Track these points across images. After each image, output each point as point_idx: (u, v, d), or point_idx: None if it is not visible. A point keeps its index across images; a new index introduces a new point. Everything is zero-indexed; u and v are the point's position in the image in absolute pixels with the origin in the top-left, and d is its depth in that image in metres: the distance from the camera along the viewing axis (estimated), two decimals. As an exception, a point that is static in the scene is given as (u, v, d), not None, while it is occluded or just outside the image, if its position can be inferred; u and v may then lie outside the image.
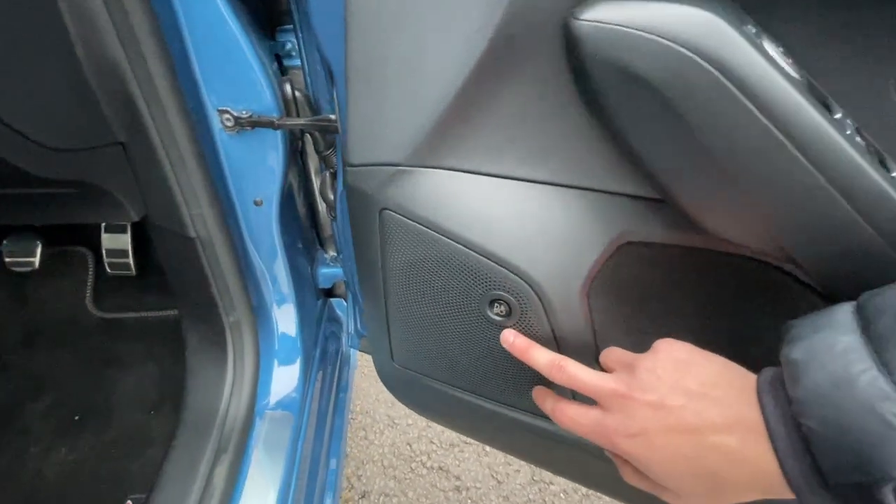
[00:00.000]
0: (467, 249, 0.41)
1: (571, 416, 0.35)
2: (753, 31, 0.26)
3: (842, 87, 0.31)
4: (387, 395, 1.11)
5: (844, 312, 0.24)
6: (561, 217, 0.39)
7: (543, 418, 0.50)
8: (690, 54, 0.26)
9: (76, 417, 0.79)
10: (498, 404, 0.50)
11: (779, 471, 0.24)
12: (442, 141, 0.39)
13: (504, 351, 0.45)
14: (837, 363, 0.22)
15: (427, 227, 0.42)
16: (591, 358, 0.44)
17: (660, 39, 0.26)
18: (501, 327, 0.44)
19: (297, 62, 0.67)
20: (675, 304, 0.46)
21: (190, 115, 0.54)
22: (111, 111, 0.48)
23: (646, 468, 0.30)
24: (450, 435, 1.12)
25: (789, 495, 0.24)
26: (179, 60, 0.52)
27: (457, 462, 1.09)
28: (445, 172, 0.40)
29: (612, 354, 0.37)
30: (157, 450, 0.69)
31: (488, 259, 0.41)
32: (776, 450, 0.24)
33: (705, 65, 0.25)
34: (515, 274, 0.41)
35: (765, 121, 0.25)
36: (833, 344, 0.23)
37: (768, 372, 0.27)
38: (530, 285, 0.41)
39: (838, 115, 0.29)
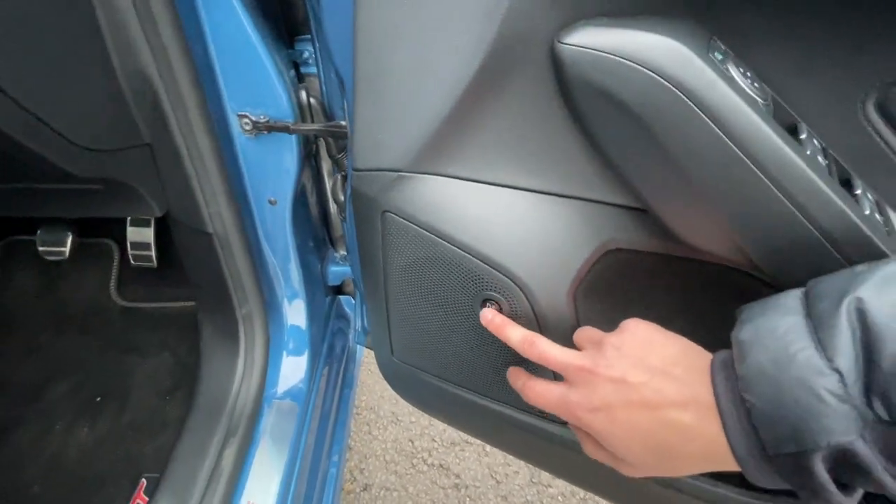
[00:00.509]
0: (462, 251, 0.44)
1: (538, 392, 0.37)
2: (720, 57, 0.29)
3: (813, 107, 0.33)
4: (391, 391, 1.14)
5: (793, 297, 0.26)
6: (550, 223, 0.41)
7: (533, 415, 0.52)
8: (658, 78, 0.28)
9: (97, 399, 0.84)
10: (490, 400, 0.53)
11: (727, 445, 0.25)
12: (440, 149, 0.41)
13: (495, 348, 0.47)
14: (779, 343, 0.24)
15: (425, 230, 0.44)
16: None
17: (631, 64, 0.28)
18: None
19: (314, 70, 0.71)
20: (658, 308, 0.48)
21: (211, 119, 0.58)
22: (140, 115, 0.53)
23: (606, 441, 0.32)
24: (451, 433, 1.15)
25: (737, 468, 0.26)
26: (202, 68, 0.56)
27: (457, 460, 1.11)
28: (443, 179, 0.43)
29: (583, 333, 0.39)
30: (170, 432, 0.73)
31: (481, 261, 0.43)
32: (725, 425, 0.25)
33: (671, 87, 0.28)
34: (506, 276, 0.43)
35: (725, 140, 0.28)
36: (776, 326, 0.25)
37: (723, 353, 0.29)
38: (520, 287, 0.43)
39: (804, 135, 0.31)
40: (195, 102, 0.56)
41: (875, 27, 0.29)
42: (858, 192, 0.31)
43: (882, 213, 0.31)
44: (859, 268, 0.24)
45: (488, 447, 1.11)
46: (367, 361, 1.10)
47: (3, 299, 0.94)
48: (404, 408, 1.18)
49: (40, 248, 0.89)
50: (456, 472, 1.09)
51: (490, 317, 0.42)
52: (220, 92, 0.60)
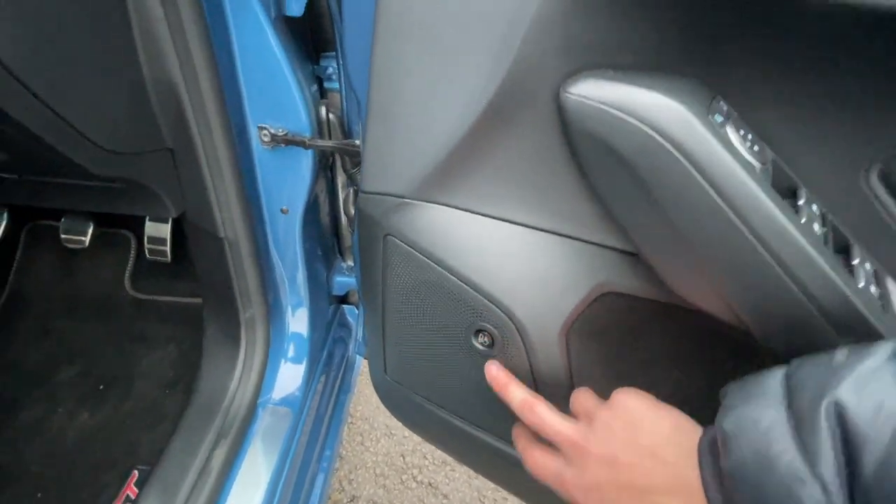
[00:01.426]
0: (459, 281, 0.44)
1: (537, 462, 0.38)
2: (720, 119, 0.29)
3: (816, 171, 0.33)
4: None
5: (775, 380, 0.26)
6: (546, 261, 0.42)
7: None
8: (657, 136, 0.28)
9: (100, 387, 0.87)
10: (475, 427, 0.53)
11: None
12: (444, 180, 0.42)
13: (484, 378, 0.47)
14: (761, 441, 0.24)
15: (425, 256, 0.45)
16: (565, 397, 0.46)
17: (631, 120, 0.29)
18: (484, 357, 0.47)
19: (337, 86, 0.73)
20: (651, 354, 0.47)
21: (231, 129, 0.60)
22: (164, 122, 0.55)
23: None
24: (444, 454, 1.14)
25: None
26: (227, 79, 0.59)
27: (447, 480, 1.10)
28: (445, 208, 0.43)
29: (578, 398, 0.39)
30: (167, 425, 0.75)
31: (477, 292, 0.44)
32: None
33: (668, 147, 0.28)
34: (500, 309, 0.44)
35: (719, 202, 0.28)
36: (759, 418, 0.25)
37: (709, 433, 0.29)
38: (513, 321, 0.44)
39: (802, 200, 0.31)
40: (217, 112, 0.58)
41: (881, 96, 0.29)
42: (856, 261, 0.30)
43: (879, 283, 0.31)
44: (838, 357, 0.24)
45: (479, 470, 1.09)
46: (365, 372, 1.10)
47: (22, 281, 0.97)
48: (398, 422, 1.17)
49: (62, 236, 0.92)
50: (444, 493, 1.08)
51: (494, 372, 0.43)
52: (243, 103, 0.62)
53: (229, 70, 0.59)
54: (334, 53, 0.71)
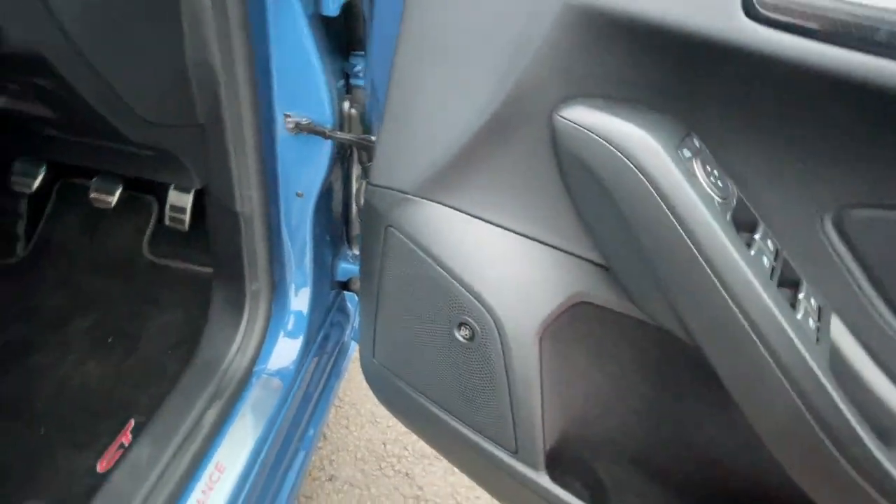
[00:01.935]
0: (447, 275, 0.48)
1: None
2: (688, 154, 0.32)
3: (777, 211, 0.36)
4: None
5: None
6: (528, 266, 0.45)
7: (491, 442, 0.55)
8: (628, 163, 0.32)
9: (109, 339, 0.92)
10: (451, 417, 0.56)
11: None
12: (445, 181, 0.46)
13: (464, 370, 0.51)
14: None
15: (419, 250, 0.49)
16: (535, 394, 0.49)
17: (609, 147, 0.32)
18: (465, 348, 0.51)
19: (362, 83, 0.77)
20: (620, 366, 0.50)
21: (259, 113, 0.65)
22: (200, 100, 0.60)
23: None
24: (423, 446, 1.17)
25: None
26: (261, 67, 0.63)
27: (423, 473, 1.13)
28: (443, 207, 0.47)
29: None
30: (166, 383, 0.79)
31: (463, 288, 0.48)
32: None
33: (638, 173, 0.31)
34: (482, 305, 0.47)
35: (676, 226, 0.31)
36: None
37: None
38: (493, 318, 0.47)
39: (758, 235, 0.34)
40: (248, 96, 0.63)
41: (836, 152, 0.32)
42: (801, 295, 0.33)
43: (822, 318, 0.34)
44: None
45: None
46: (357, 359, 1.14)
47: (50, 232, 1.04)
48: (384, 410, 1.21)
49: (91, 195, 0.98)
50: (420, 485, 1.12)
51: None
52: (272, 91, 0.67)
53: (264, 59, 0.63)
54: (363, 53, 0.76)
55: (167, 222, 1.01)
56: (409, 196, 0.48)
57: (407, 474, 1.12)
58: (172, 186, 0.98)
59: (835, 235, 0.34)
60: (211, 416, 0.72)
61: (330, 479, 1.11)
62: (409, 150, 0.46)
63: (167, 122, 0.59)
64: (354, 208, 0.92)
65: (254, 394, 0.78)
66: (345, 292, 1.03)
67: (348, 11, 0.71)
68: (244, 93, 0.62)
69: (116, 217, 1.03)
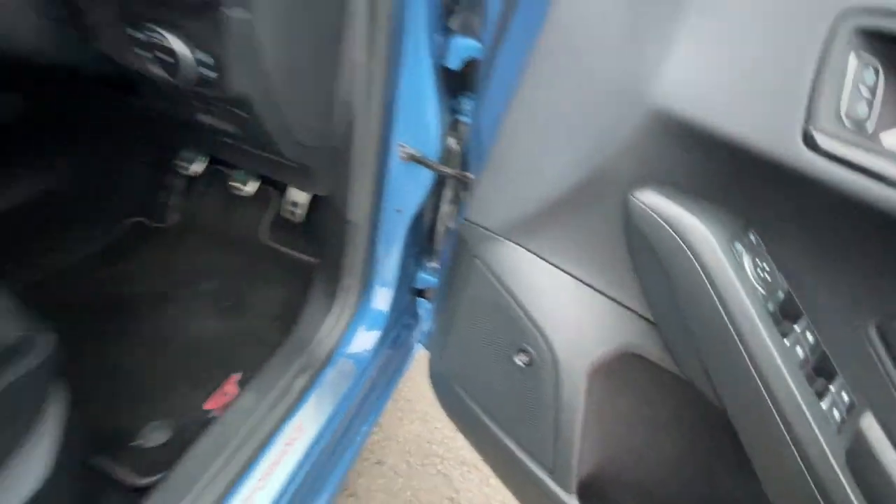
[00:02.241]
0: (517, 306, 0.57)
1: None
2: (741, 248, 0.38)
3: (824, 308, 0.40)
4: (431, 394, 1.28)
5: None
6: (587, 310, 0.52)
7: (530, 456, 0.62)
8: (687, 251, 0.38)
9: (227, 304, 1.11)
10: (499, 427, 0.64)
11: None
12: (526, 228, 0.55)
13: (517, 388, 0.59)
14: None
15: (497, 281, 0.58)
16: (577, 424, 0.56)
17: (672, 233, 0.39)
18: (522, 371, 0.59)
19: (467, 121, 0.88)
20: (659, 417, 0.55)
21: (380, 142, 0.78)
22: (338, 128, 0.74)
23: None
24: (464, 454, 1.25)
25: None
26: (388, 104, 0.76)
27: (461, 479, 1.21)
28: (521, 249, 0.56)
29: None
30: (266, 348, 0.95)
31: (528, 319, 0.56)
32: None
33: (693, 261, 0.38)
34: (543, 338, 0.55)
35: (721, 311, 0.37)
36: None
37: None
38: (550, 350, 0.55)
39: (799, 327, 0.39)
40: (375, 129, 0.76)
41: (888, 268, 0.36)
42: (833, 387, 0.38)
43: (849, 412, 0.37)
44: None
45: (493, 480, 1.19)
46: (419, 359, 1.25)
47: (196, 208, 1.27)
48: (435, 411, 1.31)
49: (230, 183, 1.20)
50: (456, 488, 1.19)
51: None
52: (393, 123, 0.80)
53: (391, 98, 0.77)
54: (473, 95, 0.87)
55: (284, 214, 1.20)
56: (495, 235, 0.57)
57: (446, 475, 1.21)
58: (292, 184, 1.17)
59: (878, 341, 0.37)
60: (300, 382, 0.86)
61: (378, 463, 1.22)
62: (502, 199, 0.56)
63: (313, 144, 0.74)
64: (440, 228, 1.03)
65: (334, 371, 0.91)
66: (418, 298, 1.15)
67: (466, 63, 0.82)
68: (373, 125, 0.75)
69: (248, 203, 1.24)
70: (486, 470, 1.15)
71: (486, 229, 0.57)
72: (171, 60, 0.54)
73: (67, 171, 1.12)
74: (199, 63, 0.55)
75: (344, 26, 0.62)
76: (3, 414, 0.51)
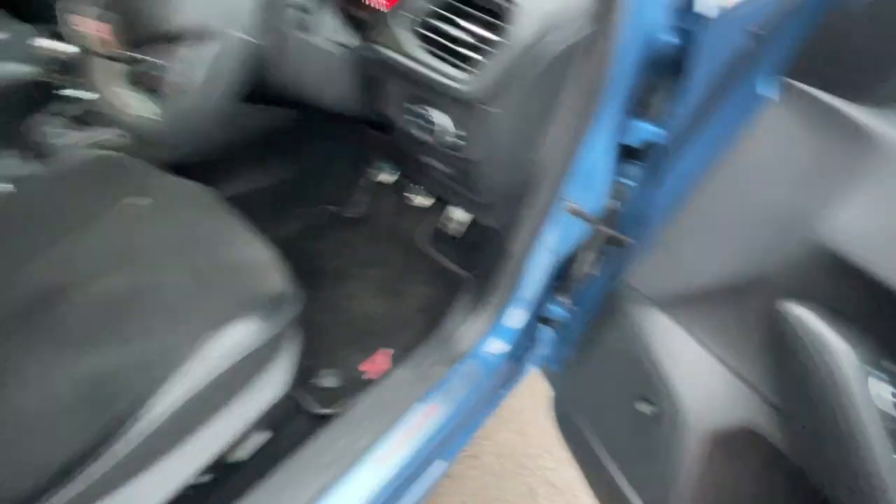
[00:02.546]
0: (653, 363, 0.68)
1: None
2: (879, 373, 0.46)
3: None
4: (533, 411, 1.42)
5: None
6: (722, 386, 0.62)
7: (638, 496, 0.73)
8: (829, 365, 0.47)
9: (387, 289, 1.37)
10: (613, 462, 0.75)
11: None
12: (676, 303, 0.66)
13: (638, 432, 0.70)
14: None
15: (639, 337, 0.70)
16: (691, 478, 0.65)
17: (815, 346, 0.48)
18: (646, 418, 0.70)
19: (629, 184, 1.00)
20: (765, 496, 0.62)
21: (555, 195, 0.94)
22: (527, 190, 0.92)
23: None
24: (552, 475, 1.35)
25: None
26: (570, 166, 0.92)
27: (546, 498, 1.32)
28: (670, 320, 0.67)
29: None
30: (410, 333, 1.17)
31: (661, 376, 0.67)
32: None
33: (834, 375, 0.46)
34: (672, 394, 0.66)
35: (849, 425, 0.45)
36: None
37: None
38: (678, 408, 0.65)
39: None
40: (553, 184, 0.92)
41: None
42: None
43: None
44: None
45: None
46: (530, 379, 1.39)
47: (378, 208, 1.57)
48: (533, 430, 1.43)
49: (407, 194, 1.47)
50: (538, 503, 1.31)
51: None
52: (567, 180, 0.95)
53: (574, 162, 0.92)
54: (639, 162, 0.99)
55: (443, 227, 1.43)
56: (649, 302, 0.70)
57: (532, 490, 1.33)
58: (467, 210, 1.39)
59: None
60: (437, 371, 1.06)
61: (473, 457, 1.39)
62: (664, 275, 0.68)
63: (502, 191, 0.93)
64: (579, 271, 1.16)
65: (465, 367, 1.10)
66: (542, 325, 1.29)
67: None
68: (552, 181, 0.92)
69: (415, 212, 1.50)
70: (570, 497, 1.24)
71: (646, 297, 0.70)
72: (431, 128, 0.77)
73: (297, 166, 1.48)
74: (455, 135, 0.77)
75: (556, 114, 0.80)
76: (268, 345, 0.76)
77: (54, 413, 0.66)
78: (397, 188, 1.53)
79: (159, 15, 0.60)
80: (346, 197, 1.58)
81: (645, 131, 0.87)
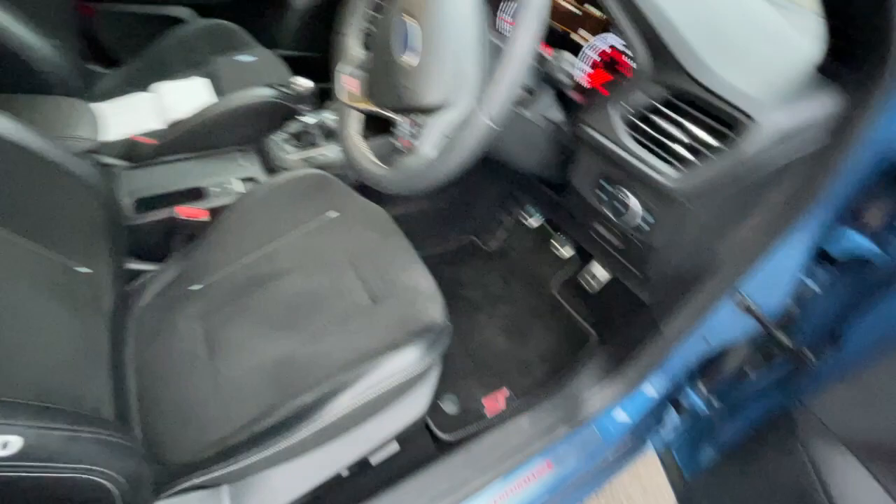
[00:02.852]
0: (824, 498, 0.62)
1: None
2: None
3: None
4: (641, 491, 1.35)
5: None
6: None
7: None
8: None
9: (513, 329, 1.41)
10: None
11: None
12: (876, 456, 0.60)
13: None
14: None
15: (814, 471, 0.64)
16: None
17: None
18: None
19: (816, 288, 0.92)
20: None
21: (727, 289, 0.88)
22: (698, 276, 0.89)
23: None
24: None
25: None
26: (755, 263, 0.86)
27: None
28: (860, 467, 0.61)
29: None
30: (528, 379, 1.17)
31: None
32: None
33: None
34: None
35: None
36: None
37: None
38: None
39: None
40: (730, 279, 0.87)
41: None
42: None
43: None
44: None
45: None
46: (645, 459, 1.32)
47: (514, 247, 1.62)
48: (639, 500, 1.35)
49: (554, 243, 1.50)
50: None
51: None
52: (747, 276, 0.89)
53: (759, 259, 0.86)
54: (835, 272, 0.89)
55: (580, 279, 1.43)
56: (833, 438, 0.64)
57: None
58: (596, 261, 1.38)
59: None
60: (560, 429, 1.06)
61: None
62: (858, 415, 0.62)
63: (667, 272, 0.92)
64: (730, 366, 1.08)
65: (586, 433, 1.09)
66: (671, 408, 1.22)
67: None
68: (730, 274, 0.86)
69: (552, 258, 1.52)
70: None
71: (829, 428, 0.64)
72: (622, 209, 0.79)
73: (450, 196, 1.59)
74: (642, 218, 0.78)
75: (755, 212, 0.76)
76: (424, 371, 0.83)
77: (248, 382, 0.81)
78: (539, 232, 1.57)
79: (412, 91, 0.69)
80: (489, 230, 1.66)
81: (855, 243, 0.80)
